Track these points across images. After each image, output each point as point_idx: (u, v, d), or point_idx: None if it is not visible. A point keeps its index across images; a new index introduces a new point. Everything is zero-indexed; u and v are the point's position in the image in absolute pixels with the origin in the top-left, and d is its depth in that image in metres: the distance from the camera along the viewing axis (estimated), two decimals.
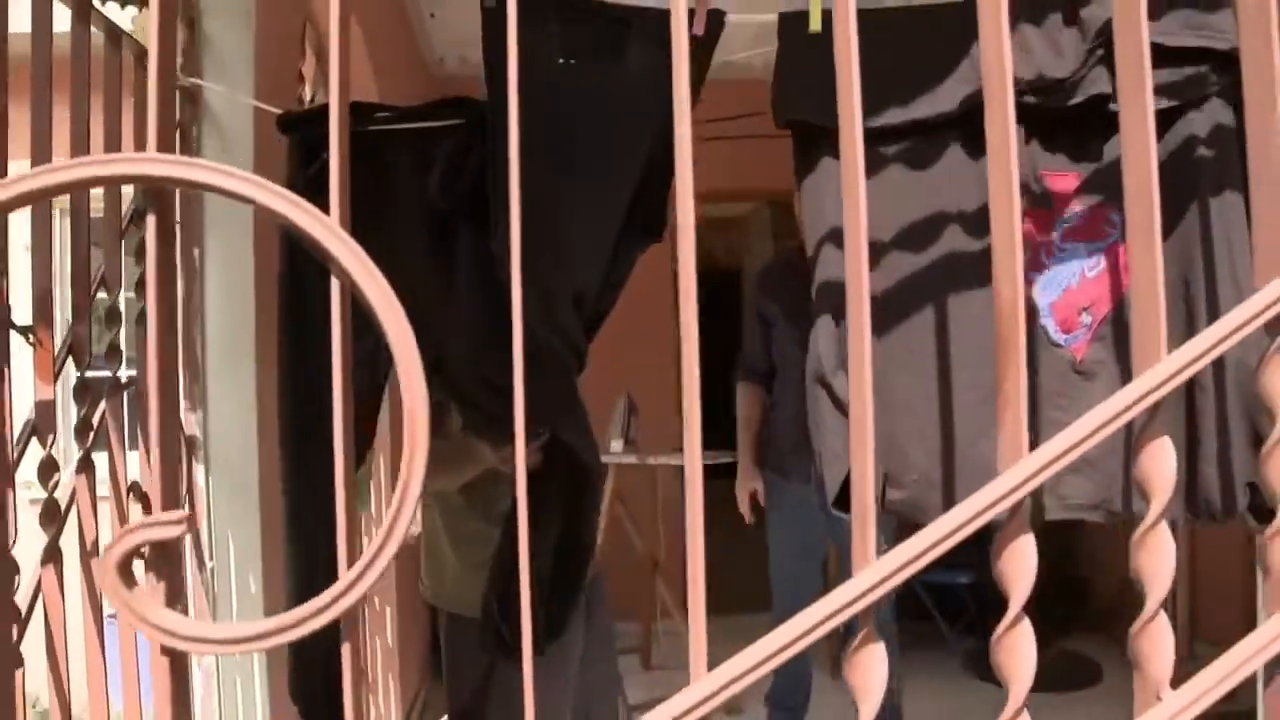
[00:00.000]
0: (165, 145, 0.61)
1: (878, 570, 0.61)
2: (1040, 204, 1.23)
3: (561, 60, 1.19)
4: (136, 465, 1.35)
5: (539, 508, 1.59)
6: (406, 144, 1.33)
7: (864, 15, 1.20)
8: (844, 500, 1.20)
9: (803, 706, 2.70)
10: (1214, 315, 1.09)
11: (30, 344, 1.09)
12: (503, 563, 1.57)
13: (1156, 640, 0.61)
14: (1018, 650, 0.62)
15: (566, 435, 1.44)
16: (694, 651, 0.60)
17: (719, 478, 2.13)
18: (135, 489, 1.39)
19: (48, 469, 1.15)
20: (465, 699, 1.74)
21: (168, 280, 0.56)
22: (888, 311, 1.21)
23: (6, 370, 0.97)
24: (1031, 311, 1.21)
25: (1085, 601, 3.93)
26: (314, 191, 1.34)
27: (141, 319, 1.42)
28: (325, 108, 1.38)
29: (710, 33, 1.15)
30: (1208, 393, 1.13)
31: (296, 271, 1.40)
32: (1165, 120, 1.16)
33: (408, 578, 2.37)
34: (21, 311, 1.11)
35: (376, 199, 1.36)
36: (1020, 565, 0.63)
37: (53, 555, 1.16)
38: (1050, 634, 2.87)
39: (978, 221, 1.17)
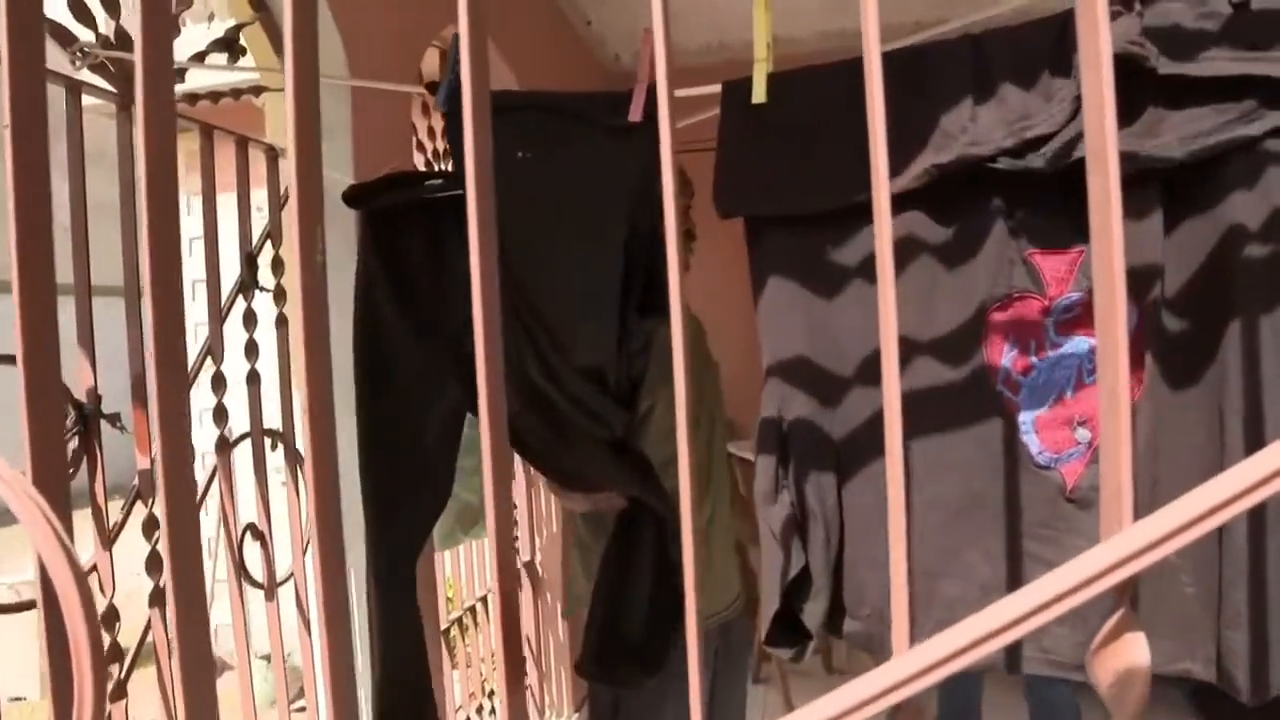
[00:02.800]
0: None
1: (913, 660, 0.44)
2: (1029, 290, 0.99)
3: (520, 155, 1.17)
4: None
5: (632, 548, 1.60)
6: (452, 210, 1.36)
7: (803, 75, 1.03)
8: (771, 637, 1.08)
9: None
10: (1254, 436, 0.83)
11: (116, 429, 1.25)
12: (600, 597, 1.59)
13: None
14: None
15: (624, 490, 1.44)
16: None
17: None
18: (252, 529, 1.57)
19: (150, 526, 1.32)
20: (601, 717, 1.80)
21: None
22: (846, 420, 1.05)
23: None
24: (1011, 425, 0.99)
25: None
26: (388, 270, 1.43)
27: (252, 379, 1.58)
28: (384, 180, 1.45)
29: (654, 113, 1.05)
30: (1237, 530, 0.86)
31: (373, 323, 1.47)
32: (1199, 175, 0.88)
33: None
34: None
35: (436, 266, 1.41)
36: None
37: (159, 599, 1.34)
38: None
39: (942, 315, 0.98)
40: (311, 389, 0.45)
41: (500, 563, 0.45)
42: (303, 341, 0.44)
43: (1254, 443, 0.84)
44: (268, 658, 2.61)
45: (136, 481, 1.31)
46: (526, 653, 2.84)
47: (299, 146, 0.43)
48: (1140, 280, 0.89)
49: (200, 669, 0.53)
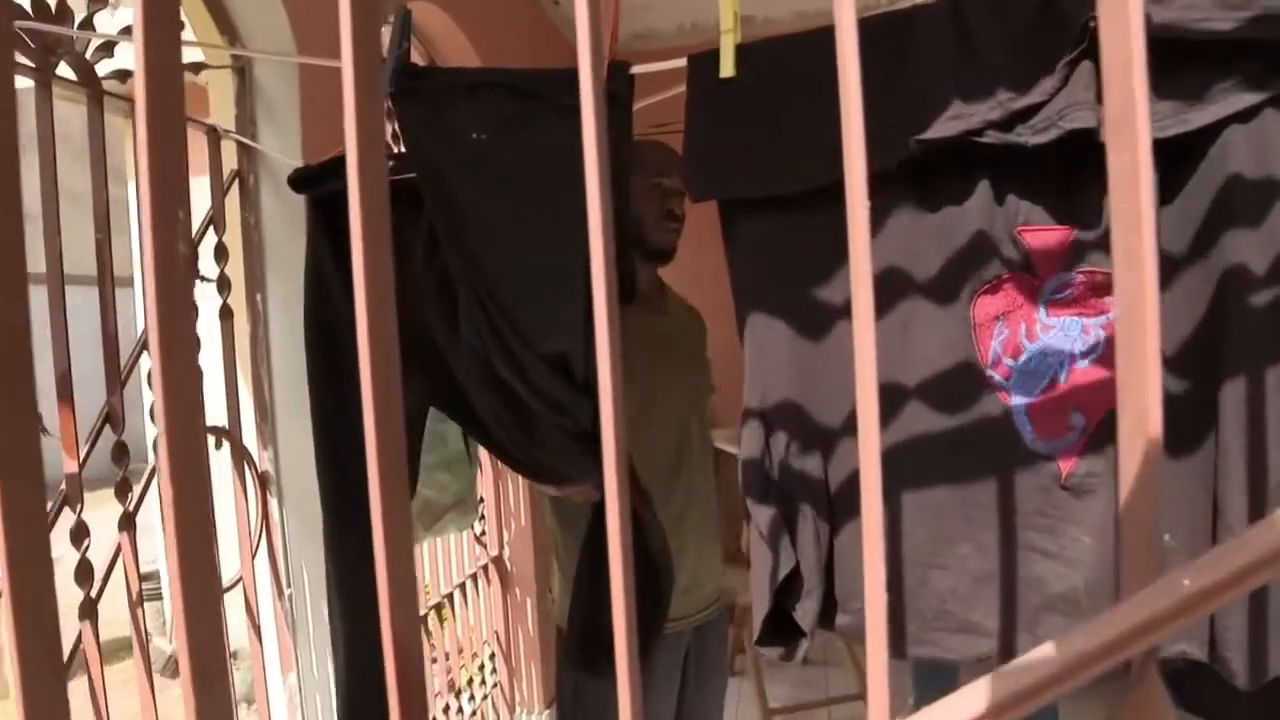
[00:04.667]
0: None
1: None
2: (1019, 270, 0.93)
3: (475, 136, 1.09)
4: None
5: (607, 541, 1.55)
6: (405, 194, 1.27)
7: (773, 45, 0.96)
8: (763, 636, 1.02)
9: None
10: (1256, 426, 0.78)
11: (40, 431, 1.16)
12: (581, 588, 1.54)
13: None
14: None
15: (595, 482, 1.39)
16: None
17: None
18: None
19: (79, 534, 1.24)
20: (564, 709, 1.75)
21: None
22: (833, 410, 0.98)
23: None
24: (1003, 412, 0.93)
25: None
26: (339, 257, 1.35)
27: None
28: (332, 163, 1.36)
29: (616, 91, 0.98)
30: (1233, 514, 0.81)
31: (325, 316, 1.39)
32: (1194, 145, 0.82)
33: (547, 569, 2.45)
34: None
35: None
36: None
37: (89, 611, 1.25)
38: None
39: (928, 299, 0.91)
40: (168, 407, 0.37)
41: (392, 599, 0.37)
42: (159, 354, 0.37)
43: (1256, 441, 0.79)
44: (235, 655, 2.54)
45: (64, 486, 1.23)
46: (496, 649, 2.77)
47: (150, 100, 0.35)
48: None
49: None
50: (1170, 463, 0.86)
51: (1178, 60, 0.79)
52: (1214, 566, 0.29)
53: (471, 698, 2.58)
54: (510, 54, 2.70)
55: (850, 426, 0.98)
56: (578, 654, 1.54)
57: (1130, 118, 0.30)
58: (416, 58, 2.41)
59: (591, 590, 1.50)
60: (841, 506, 1.02)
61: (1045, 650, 0.32)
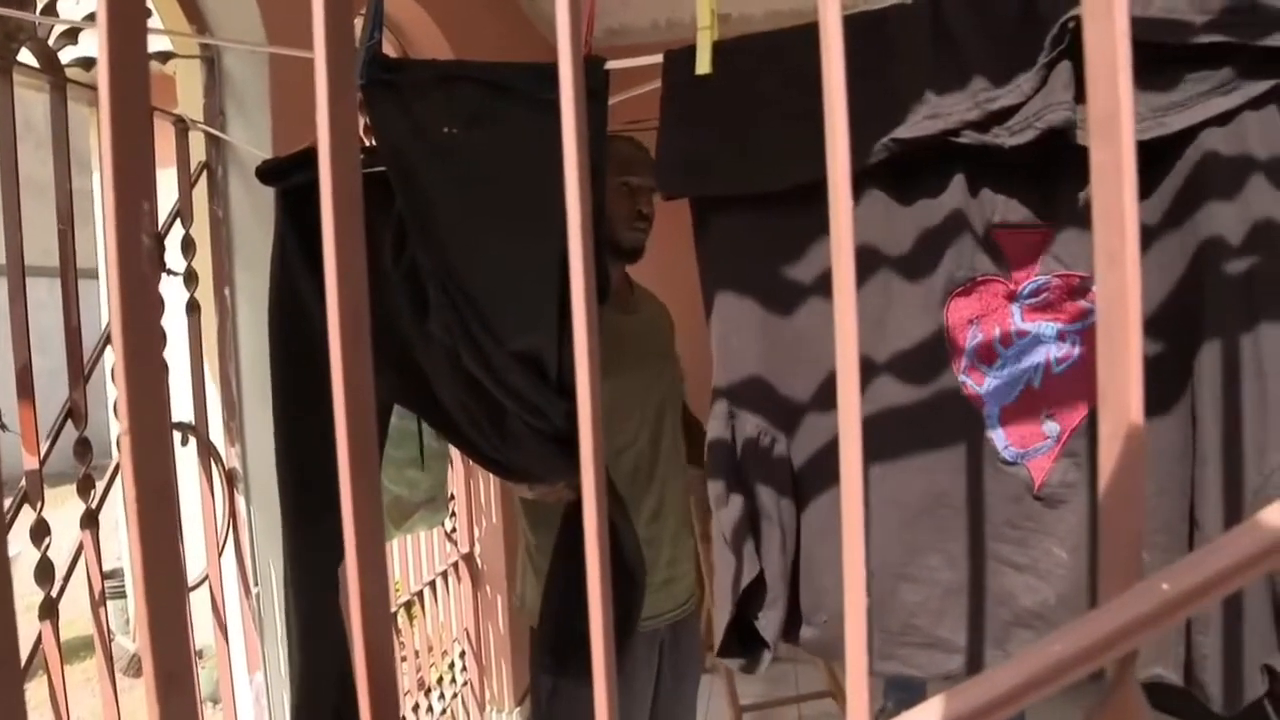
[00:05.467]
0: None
1: None
2: (994, 273, 0.92)
3: (446, 130, 1.08)
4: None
5: (582, 544, 1.54)
6: (375, 187, 1.25)
7: (750, 43, 0.95)
8: (725, 647, 1.01)
9: None
10: (1232, 422, 0.78)
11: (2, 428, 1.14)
12: (553, 590, 1.53)
13: None
14: None
15: (570, 483, 1.38)
16: None
17: None
18: None
19: (40, 531, 1.21)
20: (539, 709, 1.74)
21: None
22: (803, 414, 0.98)
23: None
24: (976, 418, 0.93)
25: None
26: (306, 250, 1.32)
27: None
28: (302, 155, 1.34)
29: (591, 86, 0.98)
30: (1212, 530, 0.81)
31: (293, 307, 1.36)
32: (1170, 148, 0.83)
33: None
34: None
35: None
36: None
37: (50, 611, 1.22)
38: None
39: (901, 300, 0.91)
40: (132, 404, 0.36)
41: (363, 598, 0.36)
42: (122, 348, 0.35)
43: (1231, 445, 0.79)
44: (201, 653, 2.50)
45: (24, 483, 1.20)
46: (466, 647, 2.75)
47: (114, 88, 0.34)
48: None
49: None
50: (1154, 439, 0.85)
51: (1156, 63, 0.79)
52: (1192, 571, 0.29)
53: (441, 696, 2.56)
54: (483, 47, 2.68)
55: (820, 429, 0.97)
56: (549, 657, 1.53)
57: (1114, 116, 0.29)
58: (388, 49, 2.38)
59: (564, 592, 1.49)
60: (808, 516, 1.01)
61: (1024, 655, 0.31)
